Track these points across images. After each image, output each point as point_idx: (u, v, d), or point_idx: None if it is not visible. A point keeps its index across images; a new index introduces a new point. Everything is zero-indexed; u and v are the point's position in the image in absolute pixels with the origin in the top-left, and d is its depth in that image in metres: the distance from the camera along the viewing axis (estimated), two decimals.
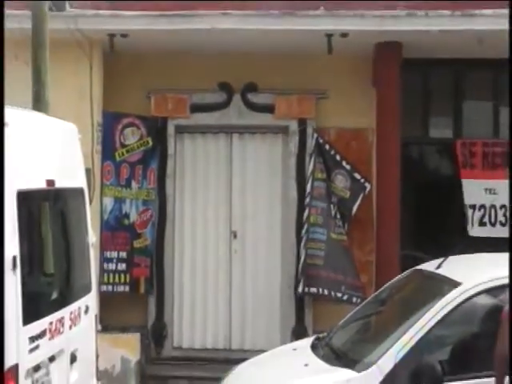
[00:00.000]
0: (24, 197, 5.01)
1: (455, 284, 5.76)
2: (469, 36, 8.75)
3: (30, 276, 5.21)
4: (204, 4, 8.90)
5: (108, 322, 9.26)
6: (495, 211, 9.75)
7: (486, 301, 5.74)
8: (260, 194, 10.21)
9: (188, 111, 10.07)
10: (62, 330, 5.56)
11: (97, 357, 6.52)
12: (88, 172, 7.80)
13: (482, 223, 9.76)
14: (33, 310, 5.07)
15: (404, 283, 6.82)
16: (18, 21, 8.17)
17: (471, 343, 5.77)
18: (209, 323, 10.20)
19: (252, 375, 6.38)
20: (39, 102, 7.10)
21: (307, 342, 6.72)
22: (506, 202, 9.64)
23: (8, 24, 7.22)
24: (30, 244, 5.26)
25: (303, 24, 8.80)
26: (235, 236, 10.19)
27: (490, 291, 5.69)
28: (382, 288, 7.08)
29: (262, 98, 10.02)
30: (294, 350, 6.68)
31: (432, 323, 5.57)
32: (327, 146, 9.89)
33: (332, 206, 9.78)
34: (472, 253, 6.88)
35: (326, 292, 9.64)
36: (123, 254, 9.78)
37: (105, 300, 9.36)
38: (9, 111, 5.02)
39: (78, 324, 5.97)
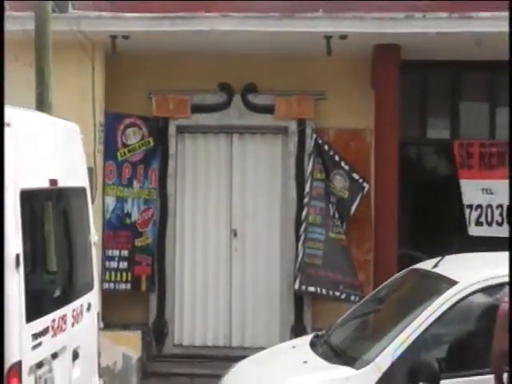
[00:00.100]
0: (27, 196, 5.03)
1: (452, 283, 5.76)
2: (466, 38, 8.79)
3: (33, 274, 5.25)
4: (204, 6, 8.94)
5: (110, 320, 9.29)
6: (492, 211, 9.77)
7: (482, 299, 5.73)
8: (260, 194, 10.25)
9: (189, 112, 10.10)
10: (64, 327, 5.58)
11: (99, 354, 6.53)
12: (90, 171, 7.78)
13: (478, 223, 9.78)
14: (36, 308, 5.09)
15: (401, 282, 6.82)
16: (20, 22, 8.22)
17: (468, 341, 5.75)
18: (209, 321, 10.24)
19: (252, 372, 6.38)
20: (42, 104, 7.12)
21: (306, 339, 6.71)
22: (503, 202, 9.67)
23: (11, 26, 7.30)
24: (33, 242, 5.28)
25: (302, 26, 8.84)
26: (235, 234, 10.23)
27: (486, 290, 5.68)
28: (380, 287, 7.09)
29: (262, 98, 10.05)
30: (293, 347, 6.68)
31: (429, 322, 5.56)
32: (326, 147, 9.92)
33: (330, 205, 9.81)
34: (468, 252, 6.91)
35: (324, 292, 9.67)
36: (125, 253, 9.83)
37: (107, 298, 9.37)
38: (12, 112, 5.05)
39: (81, 321, 5.98)
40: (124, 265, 9.82)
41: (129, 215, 9.90)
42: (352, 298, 9.50)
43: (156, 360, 9.96)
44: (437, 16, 8.81)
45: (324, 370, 5.78)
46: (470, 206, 9.81)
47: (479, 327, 5.69)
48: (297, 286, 9.74)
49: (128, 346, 9.31)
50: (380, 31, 8.85)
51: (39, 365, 5.15)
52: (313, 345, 6.40)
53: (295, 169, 10.05)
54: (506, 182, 9.28)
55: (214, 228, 10.31)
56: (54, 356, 5.41)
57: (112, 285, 9.80)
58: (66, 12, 8.78)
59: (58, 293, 5.82)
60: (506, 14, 8.09)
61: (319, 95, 9.98)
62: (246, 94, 10.09)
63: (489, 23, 8.60)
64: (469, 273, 5.99)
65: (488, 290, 5.68)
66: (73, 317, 5.82)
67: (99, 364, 6.61)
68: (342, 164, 9.88)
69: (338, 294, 9.66)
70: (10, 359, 4.70)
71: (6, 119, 4.88)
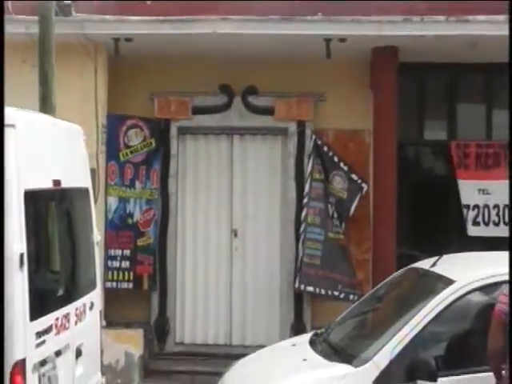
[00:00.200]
0: (31, 196, 5.07)
1: (449, 282, 5.75)
2: (463, 41, 8.83)
3: (37, 273, 5.27)
4: (205, 9, 9.00)
5: (112, 318, 9.35)
6: (488, 211, 9.80)
7: (479, 298, 5.75)
8: (260, 194, 10.28)
9: (190, 113, 10.14)
10: (67, 325, 5.62)
11: (101, 351, 6.58)
12: (93, 172, 7.87)
13: (475, 223, 9.82)
14: (39, 306, 5.14)
15: (400, 281, 6.82)
16: (25, 26, 8.31)
17: (465, 339, 5.77)
18: (210, 319, 10.27)
19: (252, 370, 6.39)
20: (46, 105, 7.16)
21: (306, 337, 6.72)
22: (499, 202, 9.72)
23: (15, 29, 7.41)
24: (37, 242, 5.31)
25: (302, 29, 8.88)
26: (236, 234, 10.26)
27: (483, 289, 5.69)
28: (379, 285, 7.10)
29: (262, 100, 10.09)
30: (293, 345, 6.66)
31: (427, 320, 5.55)
32: (325, 148, 9.94)
33: (330, 206, 9.83)
34: (466, 251, 6.96)
35: (322, 291, 9.69)
36: (127, 252, 9.86)
37: (109, 296, 9.44)
38: (16, 113, 5.10)
39: (84, 320, 6.03)
40: (126, 264, 9.85)
41: (131, 215, 9.92)
42: (351, 297, 9.51)
43: (158, 358, 9.99)
44: (434, 19, 8.86)
45: (323, 367, 5.80)
46: (467, 206, 9.84)
47: (476, 326, 5.71)
48: (296, 285, 9.77)
49: (130, 344, 9.35)
50: (378, 34, 8.89)
51: (43, 362, 5.19)
52: (312, 343, 6.41)
53: (295, 169, 10.08)
54: (503, 182, 9.35)
55: (215, 228, 10.35)
56: (58, 354, 5.46)
57: (114, 284, 9.82)
58: (69, 15, 8.83)
59: (61, 292, 5.85)
60: (502, 17, 8.21)
61: (318, 97, 10.02)
62: (247, 95, 10.12)
63: (485, 27, 8.65)
64: (466, 272, 5.99)
65: (485, 288, 5.70)
66: (76, 315, 5.86)
67: (102, 361, 6.66)
68: (341, 165, 9.90)
69: (336, 293, 9.68)
70: (14, 357, 4.76)
71: (11, 120, 4.93)
